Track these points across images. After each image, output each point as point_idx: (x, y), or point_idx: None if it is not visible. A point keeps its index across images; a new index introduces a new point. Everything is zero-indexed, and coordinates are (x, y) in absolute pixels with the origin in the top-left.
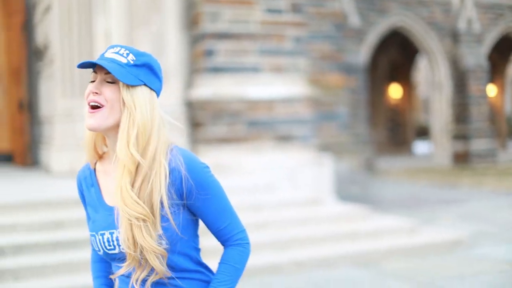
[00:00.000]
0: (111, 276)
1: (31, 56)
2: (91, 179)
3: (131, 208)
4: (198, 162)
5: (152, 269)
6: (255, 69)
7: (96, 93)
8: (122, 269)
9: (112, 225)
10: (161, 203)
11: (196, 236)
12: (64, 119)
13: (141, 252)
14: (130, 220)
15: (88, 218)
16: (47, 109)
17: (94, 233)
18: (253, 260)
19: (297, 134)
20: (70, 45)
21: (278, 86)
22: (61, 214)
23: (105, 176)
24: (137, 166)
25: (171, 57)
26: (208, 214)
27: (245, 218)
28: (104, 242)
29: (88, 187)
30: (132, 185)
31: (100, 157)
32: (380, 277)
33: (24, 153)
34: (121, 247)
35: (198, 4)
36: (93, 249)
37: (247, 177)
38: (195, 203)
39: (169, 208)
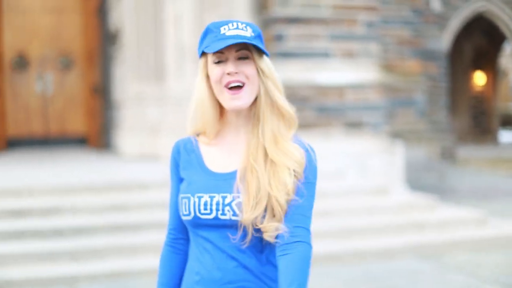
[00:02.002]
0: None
1: (105, 41)
2: (192, 147)
3: (295, 160)
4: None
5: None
6: (325, 55)
7: (236, 72)
8: (240, 230)
9: (214, 189)
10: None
11: None
12: (135, 103)
13: (263, 210)
14: (289, 168)
15: (177, 191)
16: (119, 93)
17: (189, 195)
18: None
19: (368, 121)
20: (141, 29)
21: (349, 72)
22: (124, 197)
23: (208, 148)
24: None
25: None
26: (303, 198)
27: None
28: (199, 205)
29: (189, 153)
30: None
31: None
32: (442, 270)
33: (97, 136)
34: (219, 212)
35: None
36: (168, 243)
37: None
38: (302, 183)
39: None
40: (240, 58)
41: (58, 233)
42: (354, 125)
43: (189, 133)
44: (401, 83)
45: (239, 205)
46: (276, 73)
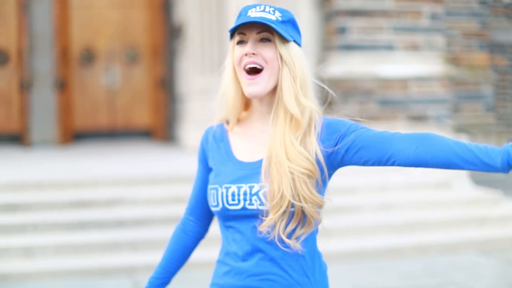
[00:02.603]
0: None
1: (169, 35)
2: (221, 135)
3: (296, 163)
4: (343, 119)
5: (287, 224)
6: (388, 47)
7: (253, 53)
8: (265, 223)
9: (241, 180)
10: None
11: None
12: (199, 97)
13: (287, 207)
14: (293, 176)
15: (200, 177)
16: (183, 86)
17: (217, 186)
18: (373, 241)
19: (432, 114)
20: (205, 23)
21: (413, 64)
22: (184, 189)
23: (238, 134)
24: (299, 122)
25: (303, 34)
26: (372, 142)
27: (371, 198)
28: (227, 196)
29: (217, 142)
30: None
31: (238, 119)
32: (503, 266)
33: (162, 129)
34: (247, 202)
35: None
36: (183, 222)
37: None
38: (353, 141)
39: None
40: (263, 42)
41: (119, 223)
42: (418, 118)
43: (218, 120)
44: (468, 76)
45: (265, 194)
46: (301, 62)
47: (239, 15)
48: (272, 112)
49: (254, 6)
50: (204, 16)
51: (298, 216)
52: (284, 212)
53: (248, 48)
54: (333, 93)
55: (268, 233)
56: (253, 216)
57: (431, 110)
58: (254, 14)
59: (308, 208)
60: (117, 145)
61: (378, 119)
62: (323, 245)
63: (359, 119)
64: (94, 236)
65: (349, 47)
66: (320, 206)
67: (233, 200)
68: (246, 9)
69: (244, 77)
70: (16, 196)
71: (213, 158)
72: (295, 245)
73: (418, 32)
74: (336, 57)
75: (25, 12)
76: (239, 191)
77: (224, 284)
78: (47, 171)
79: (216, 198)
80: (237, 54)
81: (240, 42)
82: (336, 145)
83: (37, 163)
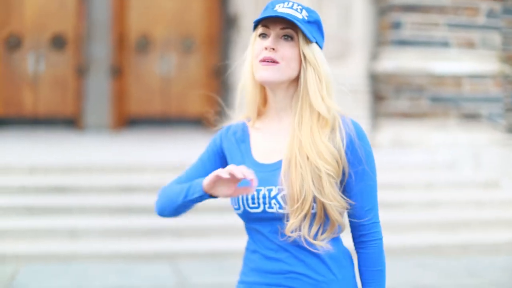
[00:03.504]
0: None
1: (224, 25)
2: (243, 135)
3: (325, 161)
4: (365, 132)
5: (310, 227)
6: (442, 43)
7: (273, 49)
8: (287, 228)
9: (260, 182)
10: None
11: None
12: None
13: (309, 208)
14: (320, 174)
15: (204, 159)
16: (237, 76)
17: None
18: (416, 239)
19: (485, 113)
20: (258, 13)
21: (467, 62)
22: None
23: (257, 133)
24: (327, 120)
25: (356, 28)
26: (360, 188)
27: (417, 195)
28: (247, 199)
29: (238, 143)
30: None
31: (259, 114)
32: None
33: (214, 118)
34: (267, 205)
35: None
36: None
37: (426, 154)
38: (353, 173)
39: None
40: (285, 39)
41: None
42: (470, 116)
43: (240, 117)
44: None
45: (284, 197)
46: (325, 64)
47: (266, 8)
48: (291, 111)
49: (283, 1)
50: (258, 7)
51: (321, 219)
52: (306, 215)
53: (269, 42)
54: (385, 88)
55: (289, 237)
56: (275, 218)
57: (484, 108)
58: (281, 10)
59: (331, 208)
60: (169, 132)
61: (429, 116)
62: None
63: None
64: (138, 221)
65: (403, 43)
66: (344, 208)
67: (253, 203)
68: (274, 3)
69: (258, 64)
70: (65, 179)
71: (231, 159)
72: (322, 245)
73: (474, 29)
74: (389, 52)
75: None
76: (258, 194)
77: (251, 282)
78: (97, 155)
79: (237, 201)
80: (257, 47)
81: (262, 35)
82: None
83: (89, 147)
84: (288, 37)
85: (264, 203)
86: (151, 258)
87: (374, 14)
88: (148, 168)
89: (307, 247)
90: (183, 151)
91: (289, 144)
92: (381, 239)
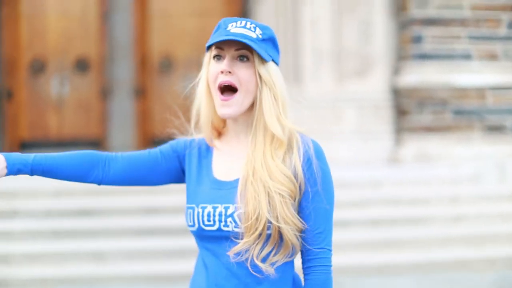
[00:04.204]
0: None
1: None
2: (207, 150)
3: (278, 182)
4: (324, 153)
5: (262, 248)
6: (464, 56)
7: (229, 72)
8: (238, 246)
9: (217, 200)
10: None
11: None
12: None
13: (264, 228)
14: (273, 194)
15: (154, 155)
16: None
17: (193, 205)
18: (442, 254)
19: (509, 124)
20: (280, 32)
21: (490, 74)
22: None
23: (218, 152)
24: (282, 141)
25: (377, 43)
26: (312, 210)
27: (441, 210)
28: (203, 216)
29: (201, 156)
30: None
31: (219, 134)
32: None
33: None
34: (222, 224)
35: None
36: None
37: (451, 167)
38: (307, 193)
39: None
40: (241, 60)
41: (185, 231)
42: (495, 129)
43: (202, 136)
44: None
45: (240, 216)
46: (281, 83)
47: (218, 27)
48: (250, 132)
49: (235, 20)
50: (279, 25)
51: (275, 240)
52: (260, 234)
53: (224, 65)
54: (407, 103)
55: (240, 256)
56: (229, 238)
57: (508, 120)
58: (234, 30)
59: (286, 230)
60: None
61: (453, 129)
62: (394, 255)
63: None
64: (162, 242)
65: (424, 56)
66: (299, 229)
67: (208, 220)
68: (226, 22)
69: (218, 97)
70: (89, 201)
71: (190, 174)
72: (267, 269)
73: (495, 41)
74: (411, 66)
75: (106, 21)
76: (214, 211)
77: None
78: None
79: (192, 218)
80: (213, 70)
81: (217, 57)
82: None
83: None
84: (243, 58)
85: (220, 221)
86: (176, 279)
87: (394, 29)
88: (172, 189)
89: (251, 270)
90: None
91: (245, 165)
92: (329, 266)
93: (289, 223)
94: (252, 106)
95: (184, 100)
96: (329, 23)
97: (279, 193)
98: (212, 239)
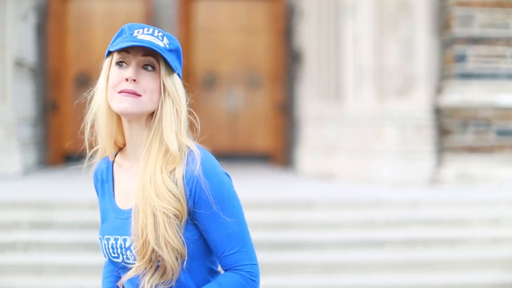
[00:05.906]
0: (118, 283)
1: (289, 60)
2: (107, 173)
3: (164, 200)
4: (218, 167)
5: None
6: (508, 75)
7: (135, 80)
8: (130, 272)
9: (118, 231)
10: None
11: (210, 255)
12: (314, 122)
13: (153, 253)
14: (156, 214)
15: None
16: (301, 111)
17: (100, 236)
18: (479, 276)
19: None
20: (322, 49)
21: None
22: (290, 215)
23: (120, 170)
24: (176, 157)
25: (419, 62)
26: (215, 233)
27: (481, 232)
28: (108, 248)
29: (103, 183)
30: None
31: (120, 149)
32: None
33: (281, 154)
34: (124, 256)
35: (450, 8)
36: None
37: (493, 189)
38: (203, 216)
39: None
40: (146, 68)
41: None
42: None
43: (100, 154)
44: None
45: (136, 249)
46: (184, 96)
47: (122, 32)
48: (144, 146)
49: (142, 27)
50: (321, 43)
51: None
52: (151, 259)
53: (130, 73)
54: (449, 123)
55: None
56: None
57: None
58: (142, 36)
59: (167, 256)
60: (236, 168)
61: (496, 150)
62: (428, 275)
63: None
64: None
65: (468, 75)
66: (181, 255)
67: (114, 253)
68: (131, 28)
69: (116, 95)
70: None
71: (101, 202)
72: None
73: None
74: (453, 85)
75: None
76: (116, 243)
77: None
78: None
79: (103, 250)
80: (115, 77)
81: (119, 63)
82: (193, 206)
83: None
84: (148, 66)
85: (122, 254)
86: None
87: (437, 47)
88: None
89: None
90: (254, 188)
91: (137, 185)
92: (251, 280)
93: (171, 245)
94: (150, 117)
95: (228, 115)
96: (371, 41)
97: (164, 212)
98: (123, 269)
